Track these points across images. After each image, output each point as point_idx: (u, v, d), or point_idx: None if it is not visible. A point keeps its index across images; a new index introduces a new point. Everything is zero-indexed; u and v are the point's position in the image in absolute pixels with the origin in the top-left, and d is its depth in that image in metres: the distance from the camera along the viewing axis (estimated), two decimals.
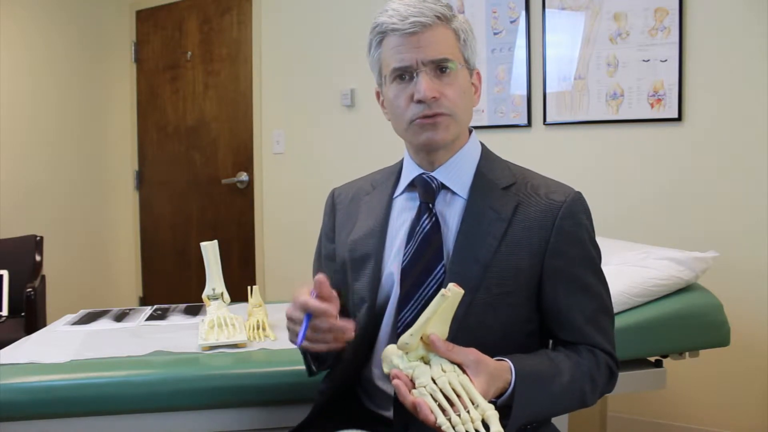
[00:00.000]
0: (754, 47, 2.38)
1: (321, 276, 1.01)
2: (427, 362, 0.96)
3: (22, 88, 3.60)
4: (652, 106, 2.57)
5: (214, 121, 3.89)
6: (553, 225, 1.10)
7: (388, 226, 1.19)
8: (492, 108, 2.92)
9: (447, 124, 1.11)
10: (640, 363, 1.82)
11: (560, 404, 1.08)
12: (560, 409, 1.11)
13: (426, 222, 1.13)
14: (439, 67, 1.09)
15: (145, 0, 4.07)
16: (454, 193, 1.15)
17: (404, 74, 1.10)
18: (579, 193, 1.14)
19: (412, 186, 1.19)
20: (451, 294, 0.94)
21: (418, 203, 1.17)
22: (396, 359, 0.97)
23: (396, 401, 1.08)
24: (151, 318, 2.05)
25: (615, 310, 1.69)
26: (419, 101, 1.08)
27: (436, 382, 0.93)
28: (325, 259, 1.29)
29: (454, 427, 0.88)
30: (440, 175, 1.16)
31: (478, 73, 1.18)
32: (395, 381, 0.94)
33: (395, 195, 1.22)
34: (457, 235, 1.11)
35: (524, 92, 2.84)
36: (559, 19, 2.75)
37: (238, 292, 2.21)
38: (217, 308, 1.82)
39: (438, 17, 1.09)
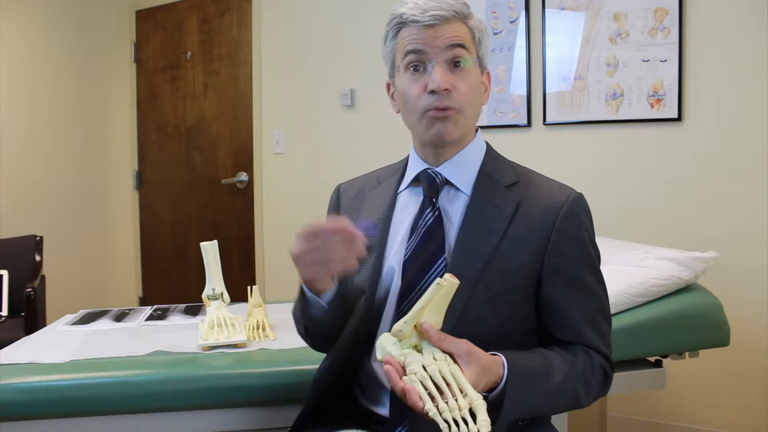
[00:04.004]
0: (754, 47, 2.38)
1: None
2: (419, 350, 0.97)
3: (22, 88, 3.60)
4: (651, 106, 2.57)
5: (214, 121, 3.89)
6: (554, 224, 1.11)
7: (392, 220, 1.20)
8: (492, 108, 2.91)
9: (456, 119, 1.12)
10: (640, 363, 1.82)
11: (552, 403, 1.08)
12: (552, 408, 1.11)
13: (429, 216, 1.14)
14: (454, 61, 1.11)
15: (145, 0, 4.07)
16: (457, 189, 1.16)
17: (418, 64, 1.11)
18: (580, 194, 1.15)
19: (416, 181, 1.20)
20: (447, 284, 0.94)
21: (422, 198, 1.17)
22: (389, 346, 0.98)
23: (392, 396, 1.09)
24: (151, 318, 2.05)
25: (615, 310, 1.70)
26: (432, 92, 1.10)
27: (427, 369, 0.94)
28: None
29: (441, 414, 0.89)
30: (445, 170, 1.17)
31: (488, 74, 1.20)
32: (387, 367, 0.95)
33: (400, 189, 1.23)
34: (459, 231, 1.12)
35: (524, 92, 2.84)
36: (558, 19, 2.75)
37: (238, 292, 2.21)
38: (217, 308, 1.82)
39: (456, 13, 1.11)
